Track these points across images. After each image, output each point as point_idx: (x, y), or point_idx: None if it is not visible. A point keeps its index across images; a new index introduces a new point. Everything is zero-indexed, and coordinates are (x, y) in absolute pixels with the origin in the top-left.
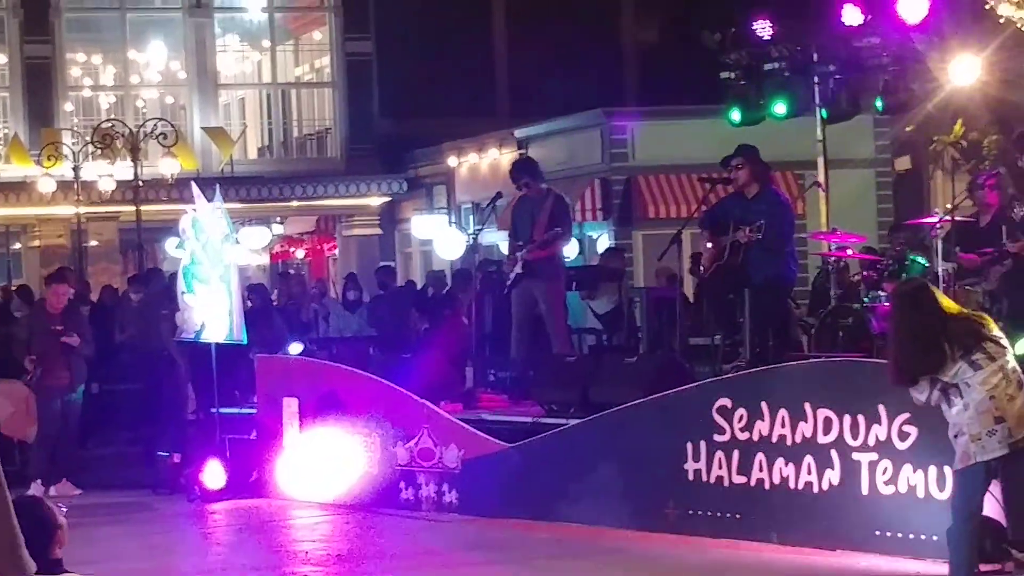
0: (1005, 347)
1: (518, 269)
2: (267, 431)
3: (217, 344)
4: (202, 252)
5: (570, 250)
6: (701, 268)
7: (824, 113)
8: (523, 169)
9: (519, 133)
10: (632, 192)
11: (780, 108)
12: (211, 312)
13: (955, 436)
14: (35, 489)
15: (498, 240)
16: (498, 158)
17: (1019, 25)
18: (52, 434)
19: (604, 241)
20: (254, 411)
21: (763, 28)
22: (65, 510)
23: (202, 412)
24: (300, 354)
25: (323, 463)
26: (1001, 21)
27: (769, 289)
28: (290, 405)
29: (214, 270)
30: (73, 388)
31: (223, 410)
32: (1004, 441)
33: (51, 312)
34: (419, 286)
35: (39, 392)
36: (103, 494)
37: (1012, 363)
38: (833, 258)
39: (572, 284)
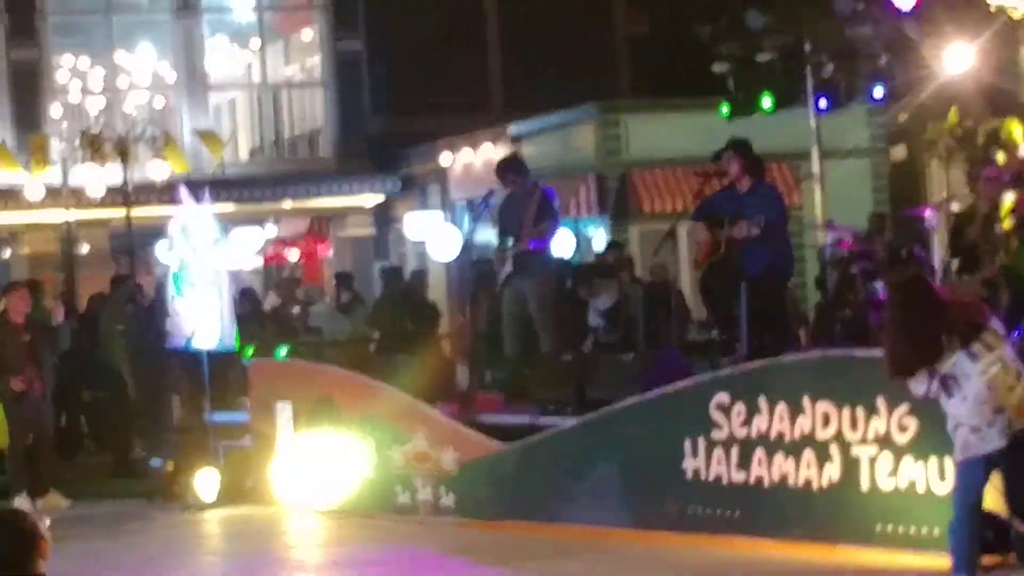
0: (1003, 337)
1: (508, 267)
2: (261, 437)
3: (208, 350)
4: (192, 256)
5: (567, 247)
6: (696, 261)
7: (819, 103)
8: (508, 167)
9: (513, 129)
10: (627, 187)
11: (767, 102)
12: (201, 317)
13: (954, 428)
14: (20, 503)
15: (492, 238)
16: (492, 155)
17: (1010, 14)
18: (26, 443)
19: (601, 237)
20: (247, 417)
21: (755, 19)
22: (49, 522)
23: (195, 419)
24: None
25: (318, 468)
26: (992, 10)
27: (766, 282)
28: (284, 410)
29: (204, 274)
30: (44, 395)
31: (216, 416)
32: (1004, 432)
33: (15, 322)
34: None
35: (9, 400)
36: (96, 504)
37: (1010, 353)
38: (831, 249)
39: (569, 281)
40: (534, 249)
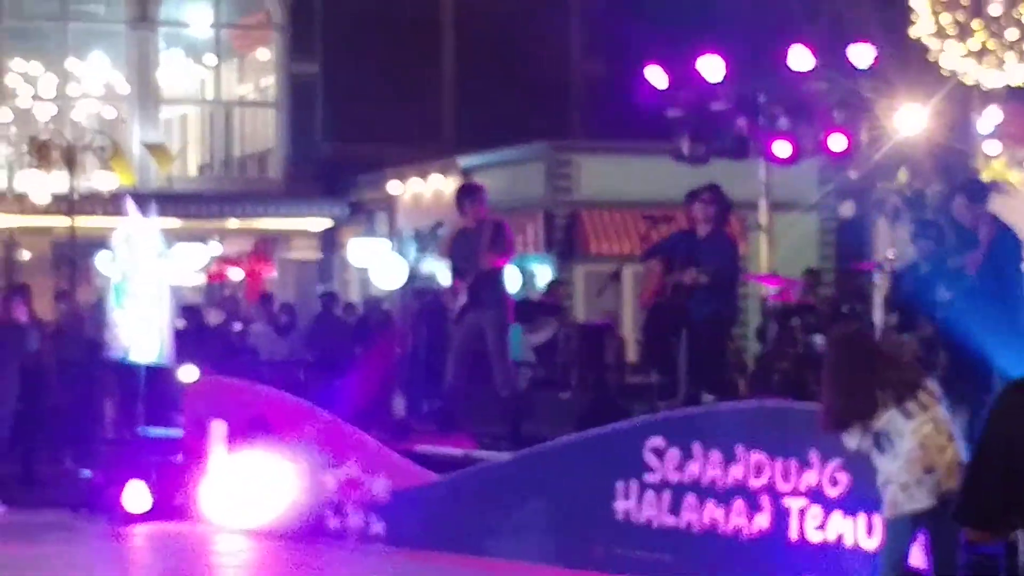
0: (938, 397)
1: (463, 300)
2: (193, 454)
3: (145, 364)
4: (134, 269)
5: (513, 283)
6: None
7: (772, 155)
8: (466, 193)
9: (463, 162)
10: (575, 226)
11: (725, 149)
12: (140, 331)
13: (884, 484)
14: None
15: (437, 269)
16: (442, 186)
17: (962, 79)
18: None
19: (546, 274)
20: (180, 433)
21: (711, 68)
22: None
23: (126, 432)
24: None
25: (249, 489)
26: (945, 74)
27: (709, 327)
28: (218, 428)
29: (146, 288)
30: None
31: (149, 431)
32: (933, 492)
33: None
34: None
35: None
36: (20, 513)
37: (944, 414)
38: (773, 301)
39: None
40: (489, 278)
